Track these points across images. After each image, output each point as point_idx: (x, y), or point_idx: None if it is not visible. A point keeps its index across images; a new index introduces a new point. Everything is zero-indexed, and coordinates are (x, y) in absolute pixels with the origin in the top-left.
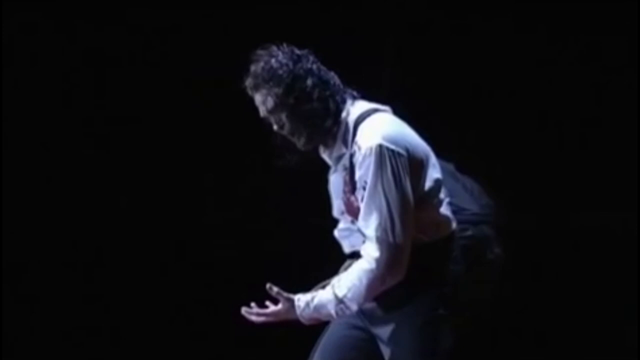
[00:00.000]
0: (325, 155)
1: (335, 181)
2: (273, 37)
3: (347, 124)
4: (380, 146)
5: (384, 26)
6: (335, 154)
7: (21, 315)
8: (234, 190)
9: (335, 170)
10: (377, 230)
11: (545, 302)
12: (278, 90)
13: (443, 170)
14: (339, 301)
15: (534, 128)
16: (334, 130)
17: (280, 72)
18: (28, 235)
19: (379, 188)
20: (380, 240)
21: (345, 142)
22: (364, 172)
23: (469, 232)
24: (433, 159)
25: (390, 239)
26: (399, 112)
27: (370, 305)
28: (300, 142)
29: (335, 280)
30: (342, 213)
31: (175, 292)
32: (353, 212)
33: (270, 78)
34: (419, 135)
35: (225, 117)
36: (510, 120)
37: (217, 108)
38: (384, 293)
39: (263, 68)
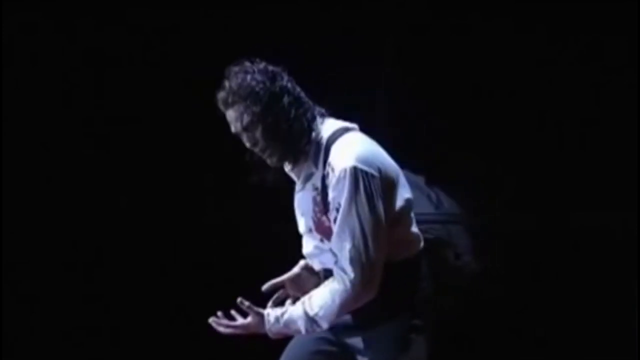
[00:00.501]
0: (292, 173)
1: (303, 199)
2: (273, 37)
3: (318, 143)
4: (355, 168)
5: (384, 26)
6: (304, 172)
7: (21, 315)
8: (234, 190)
9: (303, 188)
10: (350, 251)
11: (545, 302)
12: (255, 108)
13: (410, 183)
14: (310, 319)
15: (534, 128)
16: (306, 148)
17: (258, 89)
18: (28, 235)
19: (353, 210)
20: (354, 261)
21: (316, 162)
22: (338, 193)
23: (427, 235)
24: (403, 178)
25: (364, 259)
26: (399, 112)
27: (344, 318)
28: (271, 160)
29: (306, 298)
30: (310, 231)
31: (175, 292)
32: (323, 231)
33: (247, 95)
34: (415, 137)
35: (225, 117)
36: (510, 120)
37: (217, 108)
38: (359, 310)
39: (240, 85)
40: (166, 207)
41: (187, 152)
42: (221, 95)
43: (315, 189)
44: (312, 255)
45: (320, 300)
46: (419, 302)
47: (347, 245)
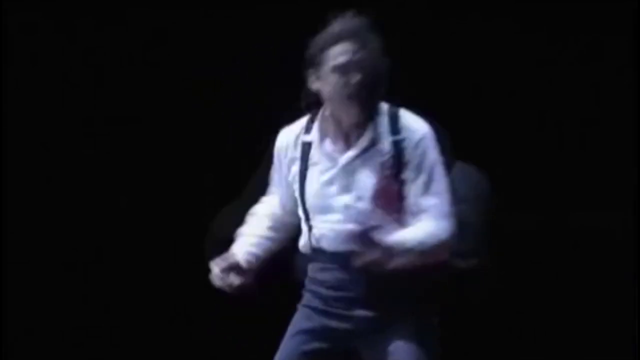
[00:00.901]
0: (336, 146)
1: (360, 166)
2: (273, 37)
3: (380, 111)
4: (430, 132)
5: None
6: (366, 139)
7: (21, 315)
8: (235, 190)
9: (359, 156)
10: (444, 205)
11: (544, 302)
12: (374, 45)
13: None
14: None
15: (534, 128)
16: (375, 113)
17: (373, 33)
18: (28, 236)
19: (439, 169)
20: (449, 215)
21: (379, 128)
22: (420, 154)
23: None
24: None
25: (452, 216)
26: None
27: (366, 315)
28: (357, 103)
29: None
30: (360, 199)
31: (175, 292)
32: (388, 196)
33: (368, 33)
34: None
35: (225, 117)
36: (510, 120)
37: (217, 108)
38: (383, 302)
39: (361, 23)
40: (166, 207)
41: (187, 152)
42: (342, 27)
43: (384, 154)
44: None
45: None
46: (438, 298)
47: (440, 199)
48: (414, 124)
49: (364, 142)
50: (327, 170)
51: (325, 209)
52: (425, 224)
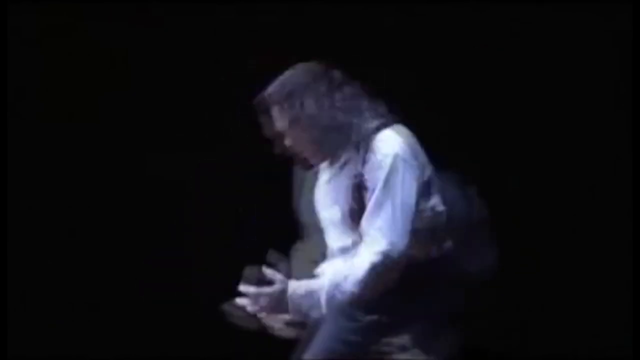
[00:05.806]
0: (322, 165)
1: (336, 186)
2: (273, 38)
3: (358, 134)
4: (397, 155)
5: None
6: (339, 162)
7: (20, 315)
8: (235, 187)
9: (335, 175)
10: (384, 220)
11: (543, 302)
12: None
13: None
14: (333, 287)
15: (534, 128)
16: (345, 146)
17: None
18: (28, 236)
19: (390, 190)
20: (385, 230)
21: (357, 149)
22: (377, 175)
23: None
24: (436, 184)
25: (395, 230)
26: (397, 112)
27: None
28: (311, 160)
29: (328, 268)
30: (343, 219)
31: (174, 292)
32: (358, 218)
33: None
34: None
35: (226, 117)
36: (511, 120)
37: (217, 108)
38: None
39: (282, 84)
40: (166, 206)
41: (187, 151)
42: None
43: (354, 175)
44: (343, 253)
45: (346, 270)
46: None
47: (380, 219)
48: (380, 147)
49: (339, 162)
50: (324, 180)
51: (331, 214)
52: (344, 266)
